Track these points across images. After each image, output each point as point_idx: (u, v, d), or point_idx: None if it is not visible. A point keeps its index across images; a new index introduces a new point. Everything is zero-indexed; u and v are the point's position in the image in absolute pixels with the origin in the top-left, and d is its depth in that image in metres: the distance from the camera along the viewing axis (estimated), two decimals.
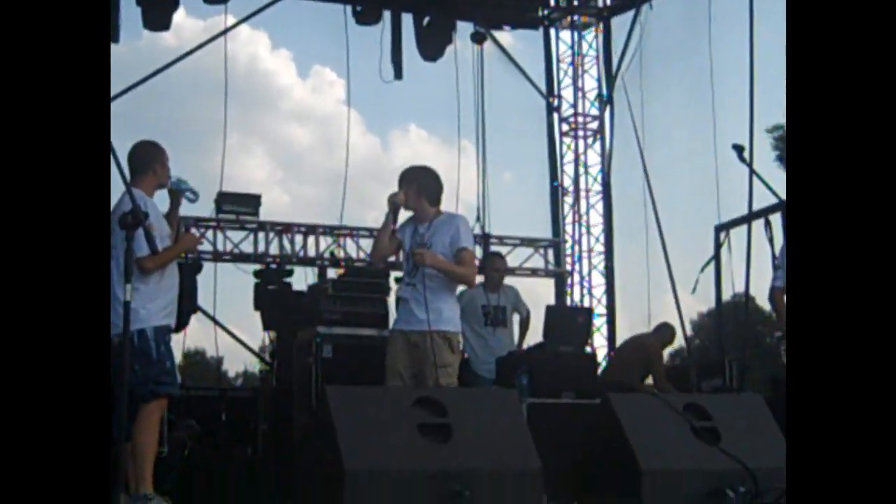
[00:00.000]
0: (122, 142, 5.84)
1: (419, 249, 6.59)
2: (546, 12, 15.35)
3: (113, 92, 11.90)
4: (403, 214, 6.91)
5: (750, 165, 7.54)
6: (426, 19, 13.87)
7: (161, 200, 6.46)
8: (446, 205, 7.10)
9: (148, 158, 6.27)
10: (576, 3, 15.28)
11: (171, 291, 6.29)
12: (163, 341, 6.09)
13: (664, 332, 11.30)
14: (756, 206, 10.45)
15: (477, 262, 8.70)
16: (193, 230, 12.47)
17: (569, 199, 15.28)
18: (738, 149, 7.15)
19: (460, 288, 7.15)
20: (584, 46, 15.44)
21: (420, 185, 6.82)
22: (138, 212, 5.13)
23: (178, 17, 13.22)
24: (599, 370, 10.84)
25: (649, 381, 10.65)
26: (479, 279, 9.44)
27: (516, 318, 9.66)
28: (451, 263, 6.65)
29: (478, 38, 14.28)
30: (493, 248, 13.42)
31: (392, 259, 7.93)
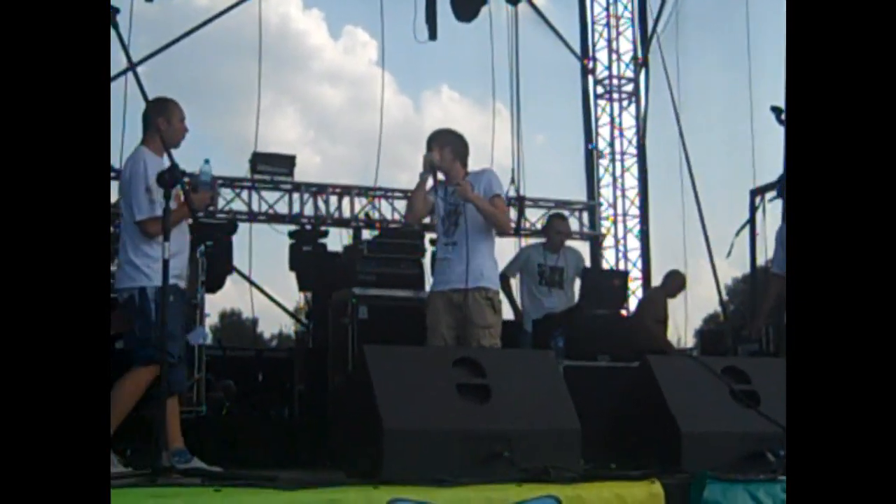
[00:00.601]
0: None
1: (460, 181, 6.58)
2: None
3: (145, 52, 11.94)
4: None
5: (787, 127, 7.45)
6: None
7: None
8: (481, 166, 7.10)
9: (151, 115, 6.10)
10: None
11: (180, 254, 6.07)
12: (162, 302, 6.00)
13: (670, 282, 11.25)
14: None
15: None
16: (227, 190, 12.51)
17: (604, 162, 15.23)
18: (777, 111, 7.06)
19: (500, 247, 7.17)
20: (620, 8, 15.37)
21: (454, 147, 6.83)
22: (175, 171, 5.13)
23: None
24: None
25: None
26: (542, 239, 9.45)
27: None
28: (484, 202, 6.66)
29: (512, 0, 14.19)
30: (528, 211, 13.40)
31: (426, 220, 7.95)
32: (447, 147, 6.80)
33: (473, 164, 7.02)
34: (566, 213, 13.97)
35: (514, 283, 9.39)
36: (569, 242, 9.82)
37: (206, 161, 6.15)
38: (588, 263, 9.74)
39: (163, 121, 6.07)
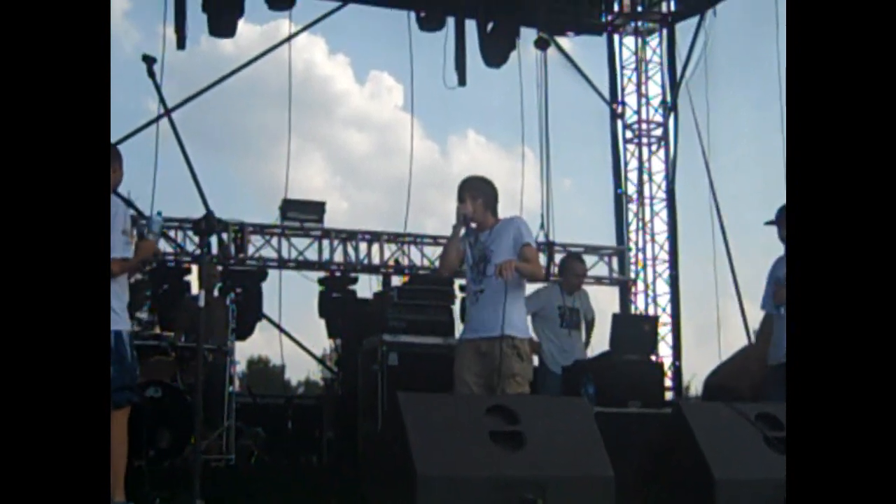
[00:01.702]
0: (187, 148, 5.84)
1: (500, 264, 6.56)
2: (609, 18, 15.31)
3: (172, 99, 12.03)
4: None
5: None
6: (490, 25, 13.86)
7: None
8: (509, 212, 7.10)
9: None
10: (639, 9, 15.21)
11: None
12: (133, 345, 6.02)
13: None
14: None
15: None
16: (258, 237, 12.56)
17: (633, 207, 15.22)
18: None
19: (529, 289, 7.15)
20: (648, 53, 15.40)
21: (486, 198, 6.83)
22: (212, 219, 5.15)
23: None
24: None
25: None
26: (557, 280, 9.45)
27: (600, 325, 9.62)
28: (522, 263, 6.65)
29: (541, 44, 14.24)
30: (558, 256, 13.40)
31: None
32: (479, 198, 6.80)
33: (502, 210, 7.01)
34: (594, 257, 14.00)
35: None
36: (597, 287, 9.85)
37: (159, 213, 6.16)
38: (594, 306, 9.71)
39: (116, 167, 6.07)
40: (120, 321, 5.86)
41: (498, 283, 6.60)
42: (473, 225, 6.89)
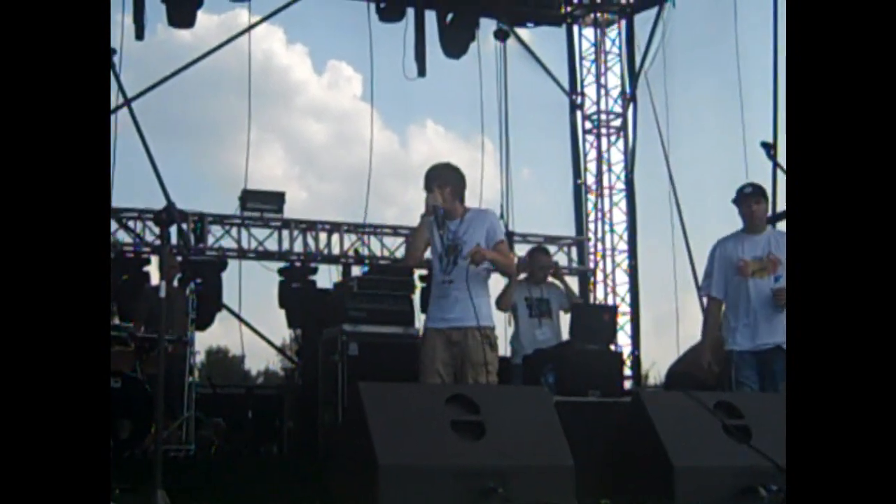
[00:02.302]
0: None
1: (474, 249, 6.57)
2: (569, 9, 15.35)
3: (136, 90, 11.96)
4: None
5: (777, 164, 7.42)
6: (449, 16, 13.87)
7: None
8: (469, 202, 7.09)
9: None
10: (598, 0, 15.26)
11: None
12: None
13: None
14: (783, 206, 10.44)
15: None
16: (217, 227, 12.53)
17: (592, 197, 15.28)
18: (767, 146, 7.08)
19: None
20: (607, 44, 15.47)
21: (454, 186, 6.80)
22: (173, 210, 5.13)
23: None
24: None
25: None
26: (523, 274, 9.48)
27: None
28: (494, 252, 6.67)
29: (501, 35, 14.28)
30: (517, 246, 13.42)
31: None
32: (448, 187, 6.77)
33: (465, 201, 7.01)
34: (553, 247, 14.03)
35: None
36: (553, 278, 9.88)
37: None
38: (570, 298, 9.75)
39: None
40: None
41: (469, 273, 6.60)
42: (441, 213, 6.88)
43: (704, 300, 7.63)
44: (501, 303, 9.09)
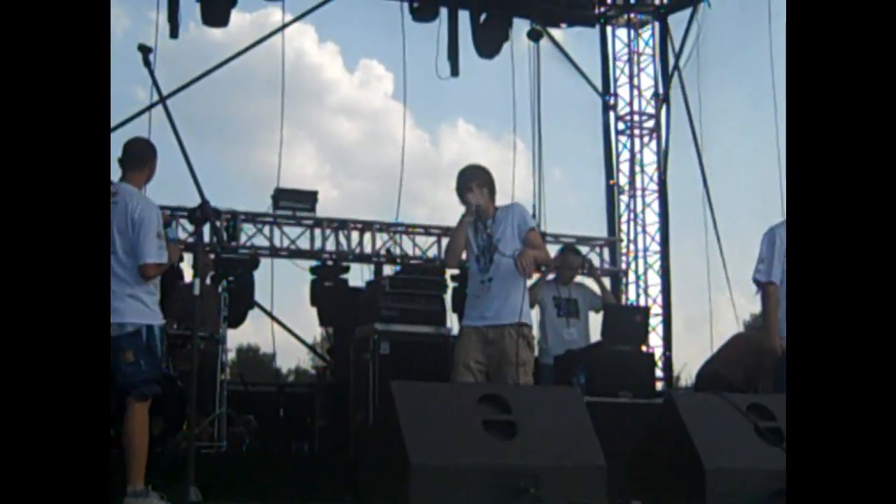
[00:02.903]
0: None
1: (519, 259, 6.60)
2: (602, 10, 15.29)
3: (169, 87, 12.00)
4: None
5: None
6: (483, 16, 13.86)
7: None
8: (501, 201, 7.13)
9: (145, 155, 6.19)
10: (632, 0, 15.22)
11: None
12: (163, 340, 6.12)
13: None
14: None
15: None
16: (249, 226, 12.57)
17: (624, 198, 15.24)
18: None
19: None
20: (641, 44, 15.41)
21: (489, 186, 6.87)
22: (207, 208, 5.17)
23: None
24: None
25: None
26: (552, 275, 9.47)
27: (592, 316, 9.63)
28: (529, 250, 6.69)
29: (534, 36, 14.26)
30: (549, 246, 13.40)
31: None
32: (485, 187, 6.84)
33: (496, 200, 7.05)
34: (585, 248, 14.01)
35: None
36: (589, 278, 9.88)
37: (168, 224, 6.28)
38: (598, 291, 9.73)
39: (153, 164, 6.17)
40: (153, 316, 5.93)
41: (506, 272, 6.66)
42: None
43: (755, 288, 7.35)
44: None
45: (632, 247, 15.08)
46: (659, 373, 13.25)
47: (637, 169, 15.25)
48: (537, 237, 6.91)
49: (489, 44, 13.87)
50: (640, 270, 15.08)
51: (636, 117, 15.29)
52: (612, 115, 15.40)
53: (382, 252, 13.16)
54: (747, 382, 9.93)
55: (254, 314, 12.80)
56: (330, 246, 12.93)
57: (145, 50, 5.37)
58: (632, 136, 15.30)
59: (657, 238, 15.12)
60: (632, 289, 14.99)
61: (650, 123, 15.30)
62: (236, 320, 11.66)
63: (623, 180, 15.29)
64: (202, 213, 5.17)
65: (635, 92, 15.32)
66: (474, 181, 6.80)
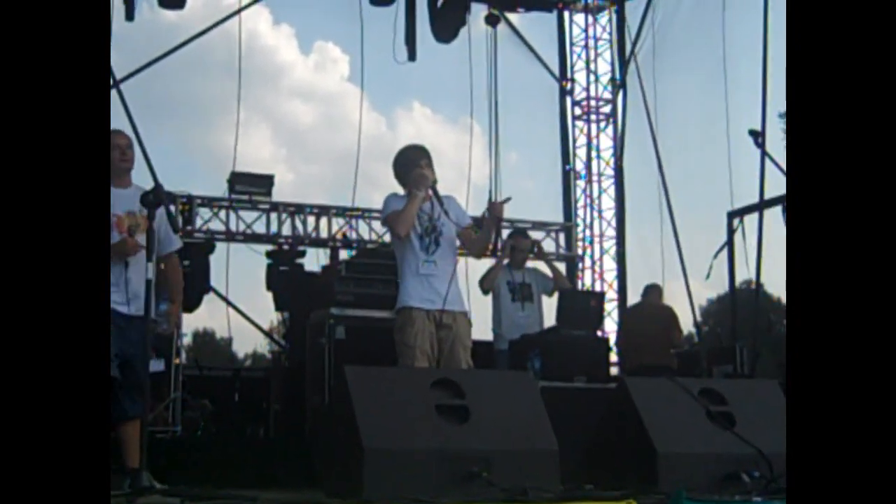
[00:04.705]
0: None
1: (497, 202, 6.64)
2: None
3: (124, 71, 11.94)
4: None
5: (765, 152, 7.43)
6: (440, 0, 13.85)
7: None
8: (457, 184, 7.16)
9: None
10: None
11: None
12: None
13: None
14: (770, 194, 10.49)
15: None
16: (205, 210, 12.52)
17: (580, 183, 15.30)
18: (755, 134, 7.07)
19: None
20: (598, 30, 15.47)
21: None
22: (160, 191, 5.15)
23: None
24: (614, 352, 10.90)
25: None
26: (506, 260, 9.50)
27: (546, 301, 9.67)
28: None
29: (491, 20, 14.28)
30: (504, 231, 13.43)
31: None
32: (431, 164, 6.80)
33: (452, 183, 7.06)
34: (541, 233, 14.05)
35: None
36: (533, 263, 9.94)
37: None
38: (549, 273, 9.77)
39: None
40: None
41: (450, 256, 6.66)
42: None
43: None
44: (485, 282, 9.19)
45: (587, 232, 15.15)
46: (614, 358, 13.32)
47: (593, 154, 15.32)
48: (471, 233, 6.90)
49: (446, 28, 13.87)
50: (596, 256, 15.16)
51: (593, 103, 15.35)
52: (568, 100, 15.46)
53: (339, 236, 13.16)
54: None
55: (210, 298, 12.79)
56: (286, 230, 12.92)
57: None
58: (588, 122, 15.36)
59: (613, 223, 15.19)
60: (587, 274, 15.07)
61: (607, 109, 15.38)
62: (191, 304, 11.63)
63: (579, 165, 15.35)
64: (155, 196, 5.15)
65: (592, 77, 15.39)
66: (423, 160, 6.75)
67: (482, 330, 9.14)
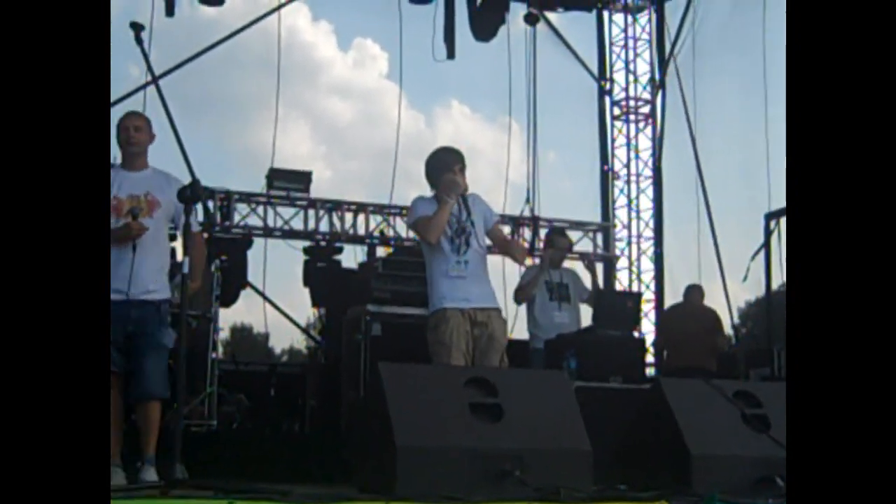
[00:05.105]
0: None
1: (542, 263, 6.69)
2: None
3: (162, 67, 11.99)
4: None
5: None
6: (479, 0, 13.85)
7: None
8: (495, 183, 7.17)
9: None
10: None
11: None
12: None
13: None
14: None
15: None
16: (243, 205, 12.57)
17: (619, 184, 15.26)
18: None
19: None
20: (637, 30, 15.42)
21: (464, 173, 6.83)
22: (197, 187, 5.18)
23: None
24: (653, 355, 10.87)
25: None
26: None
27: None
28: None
29: (531, 19, 14.24)
30: (542, 231, 13.42)
31: None
32: (464, 168, 6.80)
33: (490, 182, 7.07)
34: (579, 233, 14.02)
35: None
36: (582, 263, 9.90)
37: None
38: (588, 285, 9.72)
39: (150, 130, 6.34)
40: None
41: (481, 256, 6.66)
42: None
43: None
44: (520, 295, 9.20)
45: (625, 233, 15.10)
46: (650, 358, 13.28)
47: (632, 154, 15.27)
48: (501, 230, 6.93)
49: (486, 27, 13.86)
50: (634, 256, 15.11)
51: (632, 103, 15.31)
52: (607, 100, 15.42)
53: (376, 233, 13.18)
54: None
55: (247, 294, 12.84)
56: (323, 227, 12.96)
57: (138, 27, 5.37)
58: (627, 122, 15.32)
59: (651, 224, 15.14)
60: (625, 274, 15.02)
61: (646, 109, 15.32)
62: (228, 300, 11.67)
63: (618, 166, 15.31)
64: (193, 192, 5.18)
65: (631, 77, 15.34)
66: (457, 165, 6.75)
67: (518, 328, 9.13)
